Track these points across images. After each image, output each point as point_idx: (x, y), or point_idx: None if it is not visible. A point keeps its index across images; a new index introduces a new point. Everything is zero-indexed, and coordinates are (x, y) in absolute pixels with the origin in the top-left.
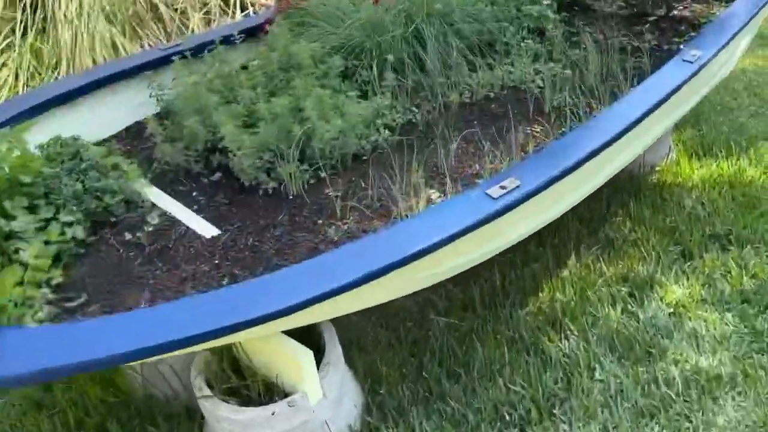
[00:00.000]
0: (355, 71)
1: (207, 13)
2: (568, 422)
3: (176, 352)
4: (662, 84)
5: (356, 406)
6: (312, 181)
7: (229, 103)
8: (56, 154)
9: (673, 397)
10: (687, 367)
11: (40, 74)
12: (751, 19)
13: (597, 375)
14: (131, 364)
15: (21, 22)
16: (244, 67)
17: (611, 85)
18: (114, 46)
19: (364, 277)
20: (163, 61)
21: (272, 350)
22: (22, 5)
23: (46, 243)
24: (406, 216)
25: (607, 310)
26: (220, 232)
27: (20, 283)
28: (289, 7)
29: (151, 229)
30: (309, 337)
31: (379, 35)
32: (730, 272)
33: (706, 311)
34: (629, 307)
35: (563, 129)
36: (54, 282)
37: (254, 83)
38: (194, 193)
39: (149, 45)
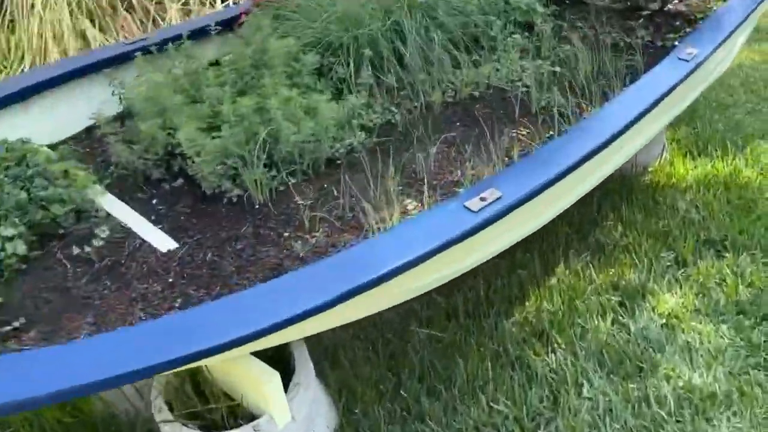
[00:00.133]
0: (331, 68)
1: (185, 3)
2: None
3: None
4: (656, 84)
5: (329, 428)
6: (281, 188)
7: (196, 103)
8: (0, 159)
9: (665, 417)
10: (680, 384)
11: (6, 68)
12: (749, 14)
13: (585, 392)
14: None
15: None
16: (215, 63)
17: (602, 84)
18: (85, 38)
19: (314, 308)
20: (126, 57)
21: (237, 372)
22: None
23: None
24: (378, 230)
25: (596, 321)
26: (177, 245)
27: None
28: None
29: (101, 243)
30: (278, 353)
31: (356, 29)
32: (725, 280)
33: (700, 323)
34: (620, 317)
35: (551, 132)
36: None
37: (222, 81)
38: (154, 201)
39: (125, 37)
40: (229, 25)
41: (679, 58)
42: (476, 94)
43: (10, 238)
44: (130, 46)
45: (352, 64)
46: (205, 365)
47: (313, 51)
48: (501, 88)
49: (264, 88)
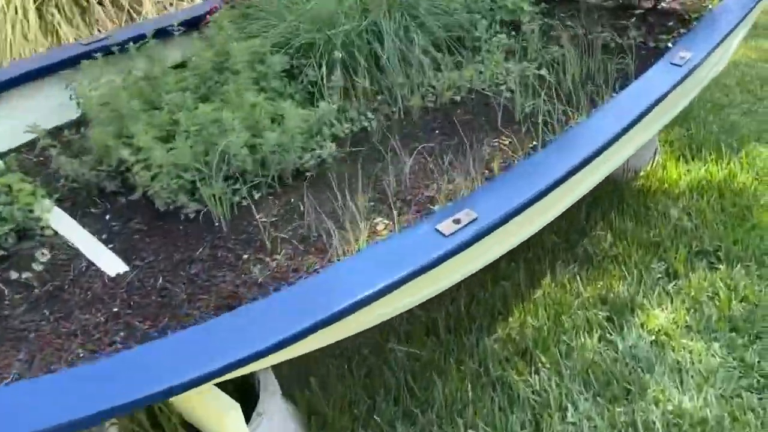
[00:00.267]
0: (302, 70)
1: None
2: None
3: None
4: (647, 91)
5: None
6: (244, 203)
7: (156, 109)
8: None
9: None
10: (669, 408)
11: None
12: (746, 15)
13: (569, 416)
14: None
15: None
16: (180, 66)
17: (591, 89)
18: (55, 34)
19: (258, 352)
20: (85, 57)
21: (195, 402)
22: None
23: None
24: (344, 254)
25: (582, 338)
26: (127, 268)
27: None
28: None
29: (42, 267)
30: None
31: (330, 29)
32: (717, 294)
33: (692, 340)
34: (607, 334)
35: (534, 142)
36: None
37: (184, 86)
38: (107, 217)
39: (99, 30)
40: (196, 24)
41: (672, 63)
42: (457, 99)
43: None
44: (90, 46)
45: (324, 67)
46: None
47: (281, 52)
48: (484, 92)
49: (226, 94)
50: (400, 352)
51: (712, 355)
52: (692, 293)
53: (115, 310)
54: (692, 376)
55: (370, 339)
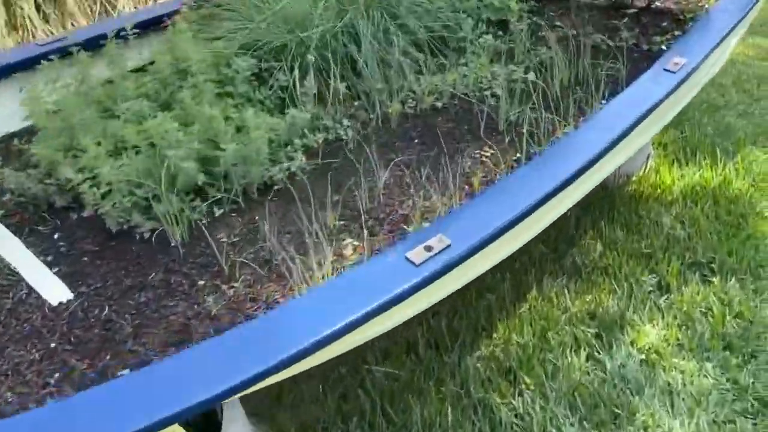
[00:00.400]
0: (272, 74)
1: None
2: None
3: None
4: (638, 99)
5: None
6: (204, 221)
7: (113, 118)
8: None
9: None
10: None
11: None
12: (744, 16)
13: None
14: None
15: None
16: (141, 69)
17: (580, 96)
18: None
19: (200, 402)
20: (41, 60)
21: None
22: None
23: None
24: (307, 282)
25: (569, 357)
26: (71, 296)
27: None
28: None
29: None
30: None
31: (303, 31)
32: (711, 310)
33: (683, 359)
34: (595, 353)
35: (518, 154)
36: None
37: (144, 92)
38: (56, 236)
39: (73, 25)
40: (159, 24)
41: (665, 69)
42: (439, 105)
43: None
44: (45, 47)
45: (297, 71)
46: None
47: (248, 54)
48: (467, 98)
49: (182, 102)
50: (378, 373)
51: (705, 376)
52: (684, 308)
53: (53, 345)
54: (683, 399)
55: (347, 357)
